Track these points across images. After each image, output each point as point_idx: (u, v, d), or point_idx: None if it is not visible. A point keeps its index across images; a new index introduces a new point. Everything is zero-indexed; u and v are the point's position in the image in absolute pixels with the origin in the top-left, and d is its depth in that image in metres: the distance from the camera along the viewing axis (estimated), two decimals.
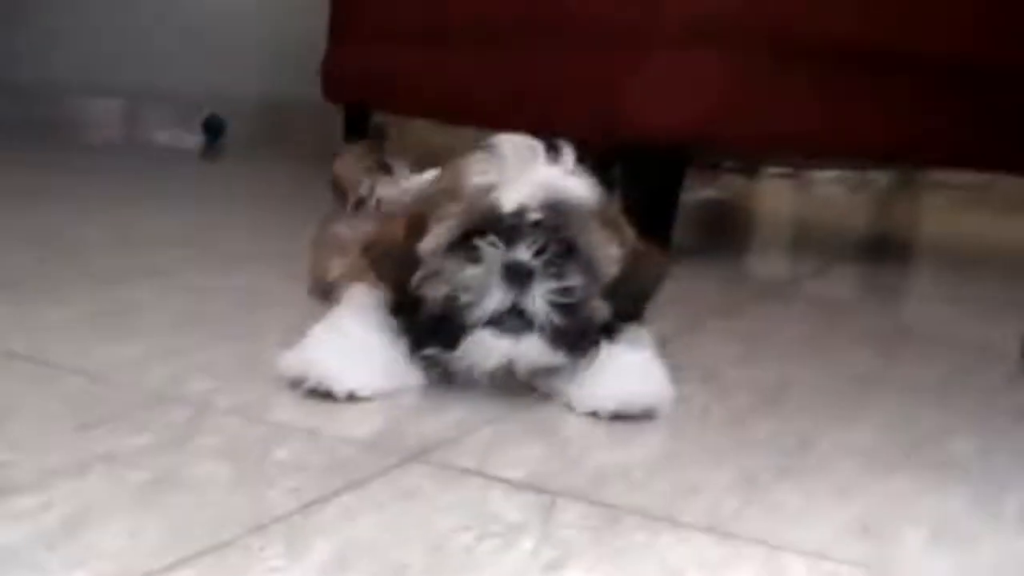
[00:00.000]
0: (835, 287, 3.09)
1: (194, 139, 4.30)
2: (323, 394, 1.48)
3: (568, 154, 1.56)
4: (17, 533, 1.04)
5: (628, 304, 1.60)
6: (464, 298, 1.48)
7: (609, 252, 1.57)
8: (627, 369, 1.58)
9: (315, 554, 1.06)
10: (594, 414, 1.54)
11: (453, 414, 1.48)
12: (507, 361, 1.50)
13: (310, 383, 1.49)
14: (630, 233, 1.64)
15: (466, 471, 1.31)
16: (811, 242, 3.72)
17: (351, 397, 1.49)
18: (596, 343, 1.56)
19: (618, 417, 1.53)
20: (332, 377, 1.50)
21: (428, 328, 1.53)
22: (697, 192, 4.65)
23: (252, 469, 1.26)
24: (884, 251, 3.77)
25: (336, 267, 1.92)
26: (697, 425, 1.56)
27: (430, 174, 1.90)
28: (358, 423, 1.45)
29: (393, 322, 1.58)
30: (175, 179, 3.30)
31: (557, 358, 1.52)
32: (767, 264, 3.54)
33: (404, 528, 1.14)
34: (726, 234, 3.92)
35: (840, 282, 3.18)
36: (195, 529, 1.09)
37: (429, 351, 1.53)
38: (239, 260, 2.39)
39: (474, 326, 1.49)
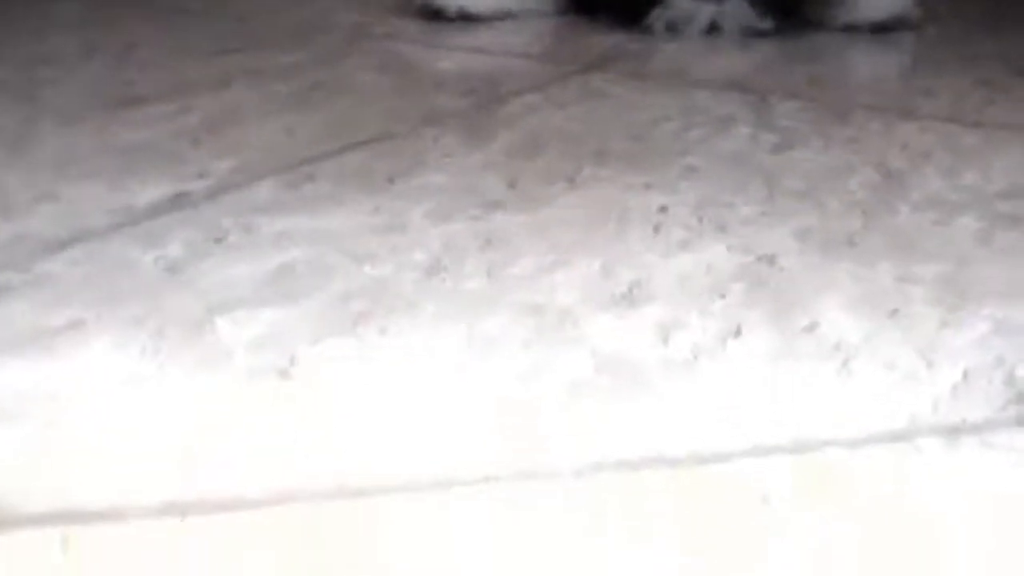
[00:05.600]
0: None
1: None
2: (433, 13, 1.29)
3: None
4: (157, 132, 0.91)
5: None
6: None
7: None
8: None
9: (498, 142, 0.90)
10: (852, 28, 1.33)
11: (628, 34, 1.28)
12: (711, 25, 1.29)
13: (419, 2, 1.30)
14: None
15: (657, 75, 1.13)
16: None
17: (463, 16, 1.29)
18: (803, 14, 1.33)
19: (878, 29, 1.32)
20: None
21: (613, 1, 1.32)
22: None
23: (418, 77, 1.11)
24: None
25: None
26: (915, 42, 1.35)
27: None
28: (525, 42, 1.28)
29: None
30: None
31: (766, 22, 1.29)
32: None
33: (596, 121, 0.97)
34: None
35: None
36: (362, 123, 0.94)
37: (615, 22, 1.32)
38: None
39: None
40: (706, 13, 1.27)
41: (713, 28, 1.28)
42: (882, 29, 1.34)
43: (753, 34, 1.28)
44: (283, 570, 0.41)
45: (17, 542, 0.43)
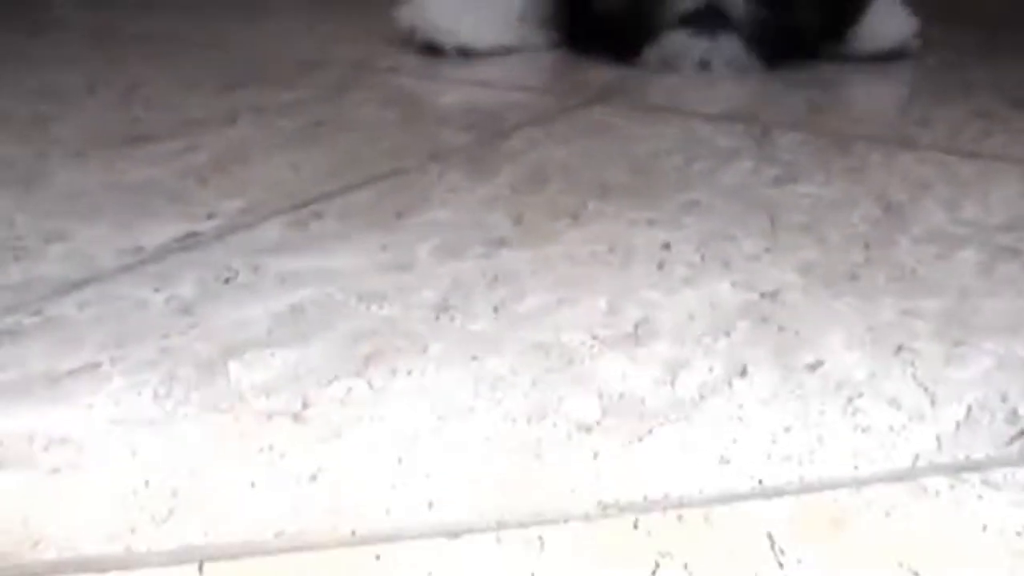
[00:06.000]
0: None
1: None
2: (434, 49, 1.30)
3: None
4: (164, 170, 0.91)
5: (841, 9, 1.38)
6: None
7: None
8: (872, 9, 1.38)
9: (503, 177, 0.91)
10: (845, 58, 1.34)
11: (626, 67, 1.30)
12: (702, 62, 1.30)
13: (420, 36, 1.32)
14: None
15: (659, 108, 1.14)
16: None
17: (463, 52, 1.31)
18: (800, 51, 1.34)
19: (874, 58, 1.34)
20: (443, 30, 1.32)
21: (608, 38, 1.33)
22: None
23: (421, 111, 1.11)
24: None
25: None
26: (912, 72, 1.36)
27: None
28: (527, 75, 1.29)
29: None
30: None
31: (755, 63, 1.31)
32: None
33: (599, 155, 0.98)
34: None
35: None
36: (367, 160, 0.95)
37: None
38: None
39: (664, 28, 1.29)
40: (699, 49, 1.28)
41: (704, 65, 1.29)
42: (884, 58, 1.35)
43: (745, 71, 1.29)
44: None
45: None
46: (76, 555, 0.45)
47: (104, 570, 0.44)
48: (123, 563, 0.44)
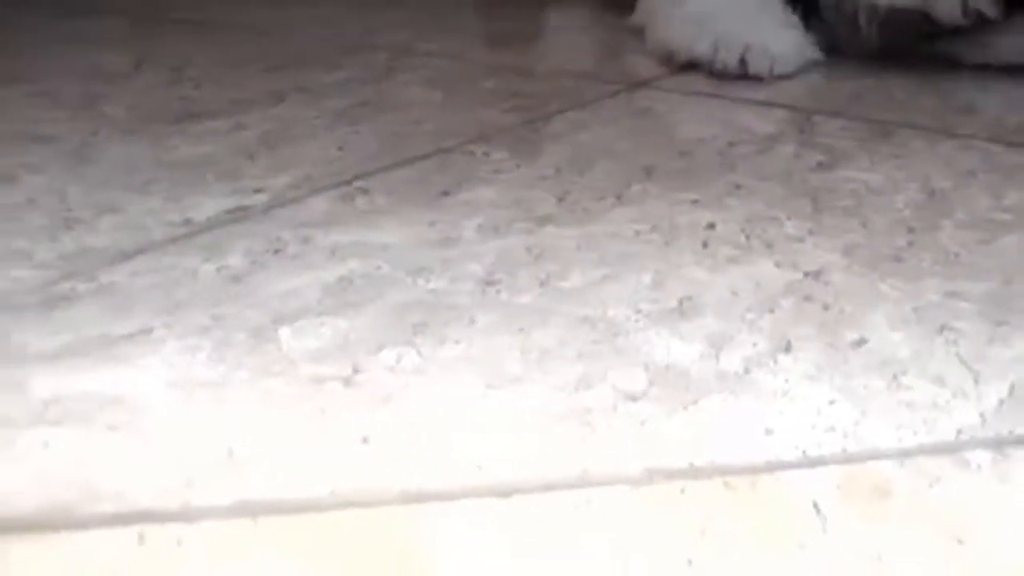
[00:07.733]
0: None
1: None
2: (737, 75, 1.21)
3: None
4: (213, 146, 0.93)
5: None
6: None
7: None
8: None
9: (547, 157, 0.91)
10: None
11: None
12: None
13: (717, 64, 1.21)
14: None
15: (703, 94, 1.14)
16: None
17: (770, 73, 1.22)
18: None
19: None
20: (753, 48, 1.22)
21: None
22: None
23: (464, 94, 1.12)
24: None
25: None
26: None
27: None
28: (570, 60, 1.30)
29: None
30: None
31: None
32: None
33: (642, 138, 0.98)
34: None
35: None
36: (412, 139, 0.96)
37: None
38: None
39: None
40: None
41: None
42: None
43: None
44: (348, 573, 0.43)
45: (91, 542, 0.45)
46: (134, 508, 0.46)
47: (162, 522, 0.45)
48: (181, 516, 0.46)
